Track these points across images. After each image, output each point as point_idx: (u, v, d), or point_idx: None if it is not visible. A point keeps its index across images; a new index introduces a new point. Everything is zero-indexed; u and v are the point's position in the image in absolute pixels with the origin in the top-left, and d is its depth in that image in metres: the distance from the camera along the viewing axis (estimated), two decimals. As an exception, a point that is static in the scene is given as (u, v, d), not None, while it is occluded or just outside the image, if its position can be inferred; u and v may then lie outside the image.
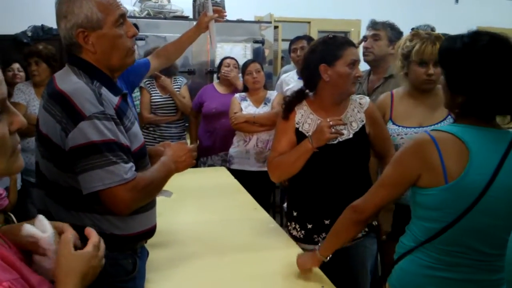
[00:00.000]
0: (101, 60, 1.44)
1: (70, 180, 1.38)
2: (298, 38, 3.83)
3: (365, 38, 2.98)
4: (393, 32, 2.89)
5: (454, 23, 5.01)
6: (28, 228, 0.94)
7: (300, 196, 2.08)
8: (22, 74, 3.67)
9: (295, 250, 1.99)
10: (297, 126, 2.04)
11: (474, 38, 1.37)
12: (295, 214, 2.10)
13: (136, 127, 1.50)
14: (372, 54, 2.89)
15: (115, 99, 1.44)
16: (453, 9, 6.88)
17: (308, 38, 3.86)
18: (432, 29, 4.55)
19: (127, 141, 1.41)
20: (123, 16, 1.44)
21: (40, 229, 0.95)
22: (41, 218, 0.97)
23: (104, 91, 1.41)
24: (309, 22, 6.29)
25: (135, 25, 1.56)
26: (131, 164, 1.38)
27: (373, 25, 2.92)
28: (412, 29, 3.61)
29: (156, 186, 1.49)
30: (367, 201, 1.55)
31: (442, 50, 1.47)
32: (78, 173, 1.33)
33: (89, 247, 0.95)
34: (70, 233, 0.95)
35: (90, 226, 1.12)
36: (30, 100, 3.30)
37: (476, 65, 1.34)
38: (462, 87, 1.38)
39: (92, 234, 1.00)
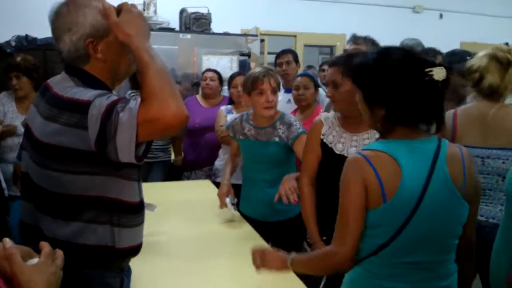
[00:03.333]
0: (110, 68, 1.41)
1: (78, 184, 1.33)
2: (284, 52, 3.84)
3: (345, 52, 2.94)
4: (374, 47, 2.82)
5: (438, 38, 5.10)
6: None
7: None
8: None
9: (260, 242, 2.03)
10: (322, 137, 2.05)
11: (383, 53, 1.46)
12: None
13: None
14: None
15: None
16: (438, 24, 7.00)
17: (294, 52, 3.86)
18: (419, 44, 4.62)
19: None
20: None
21: None
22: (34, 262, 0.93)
23: None
24: (295, 36, 6.33)
25: None
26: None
27: (354, 39, 2.87)
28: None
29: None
30: (340, 246, 1.44)
31: (356, 66, 1.51)
32: (111, 141, 1.23)
33: (42, 258, 0.95)
34: (12, 249, 0.90)
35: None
36: (8, 111, 3.22)
37: (389, 74, 1.40)
38: (379, 98, 1.42)
39: (45, 245, 0.98)
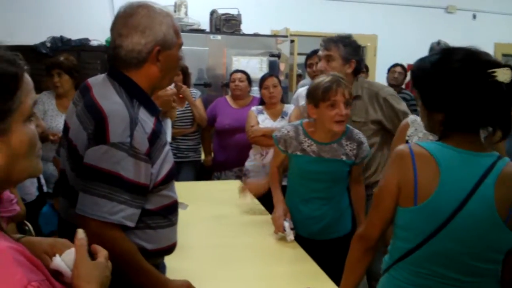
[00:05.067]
0: (158, 78, 1.46)
1: None
2: (314, 53, 3.82)
3: (318, 58, 2.69)
4: (347, 49, 2.61)
5: (471, 39, 4.98)
6: (57, 262, 0.92)
7: None
8: None
9: (312, 265, 1.96)
10: (407, 138, 2.03)
11: (443, 55, 1.38)
12: None
13: (167, 149, 1.47)
14: None
15: (151, 120, 1.41)
16: (471, 25, 6.84)
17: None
18: (446, 45, 4.53)
19: (146, 178, 1.36)
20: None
21: (69, 263, 0.93)
22: (72, 252, 0.95)
23: (142, 112, 1.40)
24: (325, 37, 6.28)
25: None
26: (126, 207, 1.32)
27: (325, 44, 2.64)
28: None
29: (131, 269, 1.35)
30: (368, 226, 1.50)
31: (414, 71, 1.46)
32: (79, 190, 1.32)
33: (101, 258, 0.97)
34: (83, 241, 0.95)
35: None
36: (48, 110, 3.32)
37: (448, 79, 1.33)
38: (438, 104, 1.37)
39: (100, 248, 1.01)
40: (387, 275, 1.49)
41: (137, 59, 1.41)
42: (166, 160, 1.44)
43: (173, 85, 2.89)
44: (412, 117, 2.12)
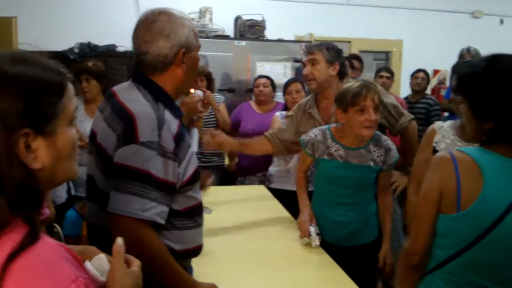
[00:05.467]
0: (182, 81, 1.51)
1: None
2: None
3: (302, 65, 2.70)
4: (330, 52, 2.61)
5: (499, 45, 4.91)
6: (88, 267, 0.93)
7: None
8: None
9: (338, 271, 1.95)
10: (434, 145, 2.02)
11: (493, 61, 1.33)
12: None
13: (192, 150, 1.51)
14: (314, 82, 2.60)
15: (175, 123, 1.45)
16: (498, 30, 6.73)
17: (349, 60, 3.83)
18: (476, 52, 4.46)
19: (174, 176, 1.40)
20: None
21: (98, 269, 0.94)
22: (101, 258, 0.97)
23: (167, 114, 1.44)
24: (349, 42, 6.27)
25: None
26: (157, 205, 1.35)
27: (308, 49, 2.67)
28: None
29: (160, 269, 1.37)
30: (412, 240, 1.46)
31: (462, 77, 1.42)
32: (111, 188, 1.36)
33: (135, 267, 1.00)
34: (121, 248, 0.97)
35: None
36: (77, 115, 3.37)
37: (503, 88, 1.29)
38: (489, 112, 1.32)
39: (134, 258, 1.03)
40: (424, 281, 1.47)
41: (163, 63, 1.46)
42: (191, 161, 1.47)
43: (199, 91, 2.93)
44: (438, 123, 2.09)
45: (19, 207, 0.72)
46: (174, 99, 1.53)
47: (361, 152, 2.24)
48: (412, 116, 2.69)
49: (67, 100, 0.81)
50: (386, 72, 4.79)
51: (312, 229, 2.22)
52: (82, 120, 3.34)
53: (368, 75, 5.34)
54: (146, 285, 1.05)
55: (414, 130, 2.68)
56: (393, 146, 2.27)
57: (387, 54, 6.68)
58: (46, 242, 0.73)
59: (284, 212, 2.77)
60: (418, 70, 5.04)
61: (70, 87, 0.83)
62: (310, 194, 2.45)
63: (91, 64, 3.38)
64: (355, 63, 4.21)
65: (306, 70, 2.61)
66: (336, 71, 2.60)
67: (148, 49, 1.44)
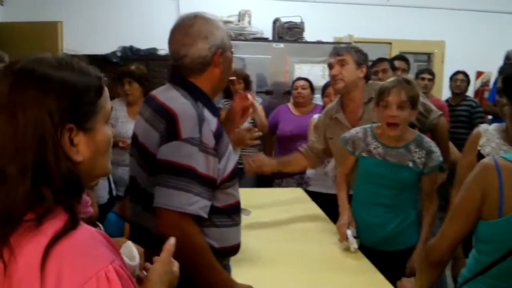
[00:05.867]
0: (219, 80, 1.56)
1: None
2: (380, 60, 3.75)
3: (330, 66, 2.67)
4: (359, 54, 2.61)
5: (548, 45, 4.74)
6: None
7: None
8: None
9: (377, 275, 1.94)
10: (479, 148, 1.98)
11: None
12: None
13: (230, 148, 1.55)
14: (342, 81, 2.59)
15: (214, 121, 1.50)
16: (546, 30, 6.47)
17: (390, 60, 3.77)
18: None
19: (214, 171, 1.44)
20: None
21: (128, 255, 0.99)
22: (129, 245, 1.02)
23: (206, 112, 1.48)
24: (390, 43, 6.17)
25: None
26: (200, 199, 1.39)
27: (336, 51, 2.66)
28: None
29: (200, 264, 1.42)
30: (440, 239, 1.47)
31: (508, 78, 1.39)
32: (155, 185, 1.40)
33: (175, 268, 1.09)
34: (172, 247, 1.08)
35: None
36: (120, 116, 3.47)
37: None
38: None
39: (174, 260, 1.12)
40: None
41: (202, 64, 1.51)
42: (230, 158, 1.52)
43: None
44: (484, 126, 2.03)
45: (62, 197, 0.79)
46: (212, 98, 1.58)
47: (401, 151, 2.19)
48: (441, 112, 2.67)
49: (104, 100, 0.90)
50: (428, 74, 4.68)
51: (349, 233, 2.19)
52: (124, 121, 3.42)
53: (408, 76, 5.24)
54: (185, 282, 1.08)
55: (444, 126, 2.69)
56: (436, 149, 2.21)
57: (428, 56, 6.53)
58: (86, 228, 0.81)
59: (321, 215, 2.75)
60: (458, 72, 4.93)
61: (106, 89, 0.92)
62: (350, 198, 2.43)
63: (133, 68, 3.47)
64: (400, 64, 4.08)
65: (335, 71, 2.61)
66: (363, 74, 2.61)
67: (187, 52, 1.49)
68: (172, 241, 1.08)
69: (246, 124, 3.25)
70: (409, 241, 2.27)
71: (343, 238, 2.22)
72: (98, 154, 0.88)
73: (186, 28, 1.50)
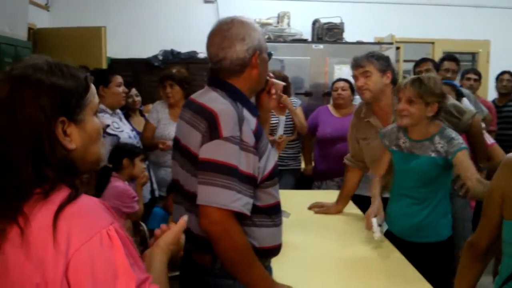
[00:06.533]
0: (256, 80, 1.59)
1: None
2: (423, 60, 3.67)
3: (354, 78, 2.64)
4: (381, 62, 2.57)
5: None
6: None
7: None
8: (139, 99, 4.00)
9: (414, 272, 1.91)
10: None
11: None
12: None
13: (270, 147, 1.57)
14: (368, 92, 2.56)
15: (253, 121, 1.53)
16: None
17: (433, 61, 3.68)
18: None
19: (255, 169, 1.46)
20: None
21: None
22: None
23: (245, 112, 1.52)
24: (432, 43, 6.03)
25: None
26: (243, 196, 1.41)
27: (357, 63, 2.60)
28: None
29: (241, 260, 1.44)
30: (477, 234, 1.49)
31: None
32: (198, 183, 1.43)
33: (176, 229, 1.20)
34: (184, 223, 1.19)
35: None
36: (162, 118, 3.53)
37: None
38: None
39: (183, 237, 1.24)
40: None
41: (240, 66, 1.53)
42: (270, 157, 1.54)
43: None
44: None
45: (63, 177, 0.93)
46: (250, 99, 1.61)
47: (425, 143, 2.26)
48: (475, 112, 2.63)
49: (91, 95, 1.03)
50: (473, 74, 4.51)
51: (374, 221, 2.23)
52: (166, 123, 3.49)
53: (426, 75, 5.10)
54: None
55: (478, 124, 2.67)
56: (457, 136, 2.22)
57: (473, 55, 6.35)
58: (87, 197, 0.94)
59: (362, 219, 2.71)
60: (503, 72, 4.77)
61: (93, 86, 1.05)
62: (386, 201, 2.43)
63: (175, 71, 3.53)
64: (451, 64, 3.93)
65: (360, 82, 2.59)
66: (389, 79, 2.58)
67: (225, 55, 1.52)
68: (185, 217, 1.20)
69: (282, 120, 3.27)
70: (438, 235, 2.28)
71: (369, 227, 2.26)
72: (90, 142, 1.01)
73: (224, 31, 1.53)
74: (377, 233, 2.20)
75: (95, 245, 0.86)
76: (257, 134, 1.49)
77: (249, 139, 1.45)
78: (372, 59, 2.58)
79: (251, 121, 1.50)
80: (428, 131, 2.25)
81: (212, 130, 1.42)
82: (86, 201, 0.93)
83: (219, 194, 1.38)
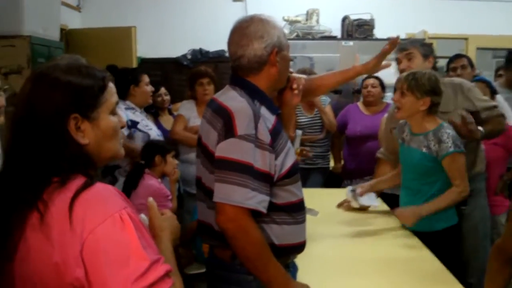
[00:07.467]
0: (276, 78, 1.59)
1: None
2: (458, 56, 3.57)
3: (397, 61, 2.67)
4: (425, 47, 2.65)
5: None
6: (142, 217, 1.14)
7: None
8: (168, 98, 4.03)
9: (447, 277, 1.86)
10: None
11: None
12: None
13: (289, 145, 1.57)
14: None
15: (272, 118, 1.53)
16: None
17: (468, 57, 3.58)
18: None
19: (271, 167, 1.47)
20: None
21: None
22: (142, 216, 1.15)
23: (263, 110, 1.53)
24: (466, 39, 5.88)
25: None
26: (258, 194, 1.42)
27: (402, 46, 2.65)
28: None
29: (256, 257, 1.45)
30: (505, 237, 1.49)
31: None
32: (214, 181, 1.45)
33: (168, 213, 1.26)
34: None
35: None
36: (191, 117, 3.56)
37: None
38: None
39: (166, 209, 1.28)
40: None
41: (258, 63, 1.54)
42: (288, 155, 1.53)
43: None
44: None
45: (79, 167, 1.00)
46: (269, 97, 1.61)
47: (420, 138, 2.35)
48: (500, 112, 2.60)
49: (108, 95, 1.08)
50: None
51: (348, 189, 2.65)
52: (196, 122, 3.49)
53: (486, 73, 4.95)
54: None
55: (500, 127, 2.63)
56: (447, 140, 2.25)
57: (509, 51, 6.15)
58: (102, 184, 1.01)
59: (392, 217, 2.66)
60: None
61: (111, 86, 1.10)
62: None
63: (209, 69, 3.59)
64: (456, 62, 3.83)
65: (403, 65, 2.66)
66: (431, 64, 2.66)
67: (244, 52, 1.54)
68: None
69: (299, 134, 3.27)
70: (432, 226, 2.30)
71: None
72: (104, 139, 1.07)
73: (243, 29, 1.55)
74: (353, 203, 2.61)
75: (108, 227, 0.93)
76: (275, 132, 1.50)
77: (265, 137, 1.45)
78: (416, 43, 2.69)
79: (268, 119, 1.51)
80: (425, 126, 2.33)
81: (227, 128, 1.44)
82: (100, 187, 1.00)
83: (234, 192, 1.40)
